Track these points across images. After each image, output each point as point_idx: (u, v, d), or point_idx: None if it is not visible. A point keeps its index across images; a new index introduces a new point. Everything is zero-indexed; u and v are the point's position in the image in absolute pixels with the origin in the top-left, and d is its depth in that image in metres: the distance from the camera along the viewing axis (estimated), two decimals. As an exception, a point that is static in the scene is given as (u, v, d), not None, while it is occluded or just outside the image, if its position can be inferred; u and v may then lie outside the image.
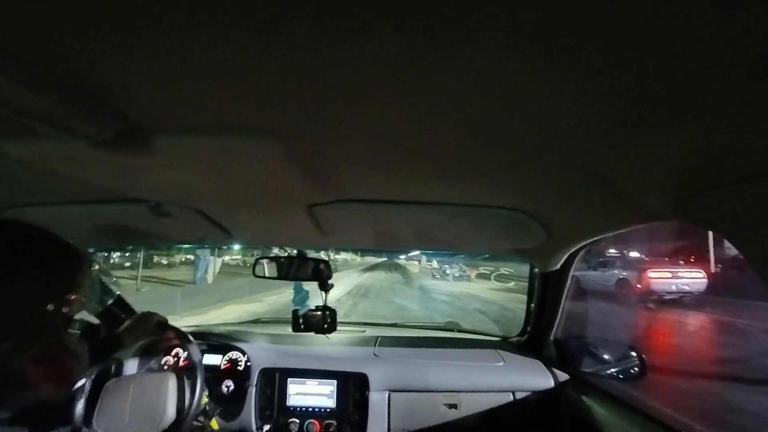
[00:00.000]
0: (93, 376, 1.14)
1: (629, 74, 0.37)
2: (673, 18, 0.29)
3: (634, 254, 14.20)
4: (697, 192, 0.55)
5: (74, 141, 0.57)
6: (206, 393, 1.41)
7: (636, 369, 1.26)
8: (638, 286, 10.43)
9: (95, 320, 1.36)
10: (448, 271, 22.85)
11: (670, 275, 10.18)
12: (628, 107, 0.43)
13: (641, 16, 0.30)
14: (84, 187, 0.87)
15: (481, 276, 21.43)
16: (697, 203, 0.57)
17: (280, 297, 11.44)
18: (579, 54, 0.35)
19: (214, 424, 1.35)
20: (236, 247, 2.16)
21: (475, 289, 15.72)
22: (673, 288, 9.94)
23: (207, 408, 1.32)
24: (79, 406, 1.08)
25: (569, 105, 0.44)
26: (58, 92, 0.44)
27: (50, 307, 0.57)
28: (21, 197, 1.00)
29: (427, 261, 30.54)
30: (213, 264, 13.36)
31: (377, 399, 1.41)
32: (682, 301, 9.73)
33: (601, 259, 12.24)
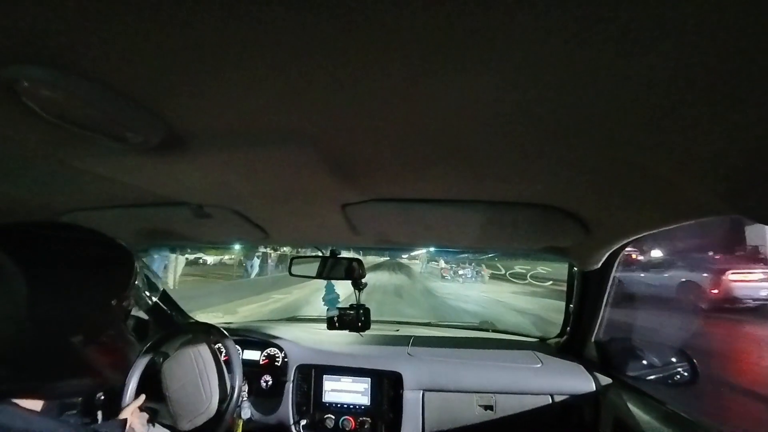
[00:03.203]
0: (145, 368, 1.21)
1: (671, 63, 0.35)
2: (717, 6, 0.28)
3: (655, 253, 12.29)
4: (754, 183, 0.52)
5: (123, 149, 0.61)
6: (245, 388, 1.46)
7: (686, 374, 1.19)
8: (713, 291, 7.91)
9: (144, 315, 1.45)
10: (461, 272, 19.28)
11: (763, 276, 7.59)
12: (675, 93, 0.40)
13: (686, 3, 0.28)
14: (132, 192, 0.92)
15: (516, 276, 17.99)
16: (752, 195, 0.54)
17: (264, 306, 9.70)
18: (616, 45, 0.34)
19: (240, 426, 1.39)
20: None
21: (495, 293, 12.91)
22: (764, 294, 7.43)
23: (240, 406, 1.37)
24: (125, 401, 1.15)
25: (609, 94, 0.42)
26: (108, 104, 0.47)
27: (114, 302, 0.62)
28: (76, 202, 1.06)
29: (433, 260, 26.09)
30: (173, 265, 10.56)
31: (411, 398, 1.41)
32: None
33: (653, 258, 10.44)
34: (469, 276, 18.57)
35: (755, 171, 0.50)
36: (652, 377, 1.25)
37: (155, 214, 1.16)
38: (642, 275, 10.18)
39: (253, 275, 15.04)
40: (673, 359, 1.24)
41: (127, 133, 0.55)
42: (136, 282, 0.70)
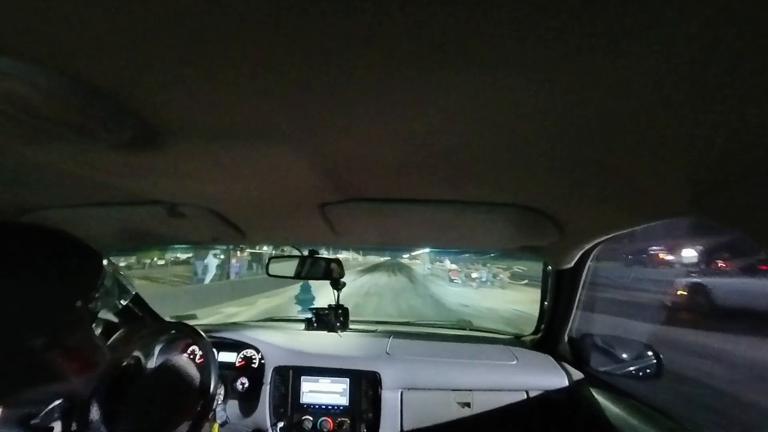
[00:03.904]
0: (114, 375, 1.16)
1: (643, 69, 0.36)
2: (689, 13, 0.29)
3: (687, 253, 10.23)
4: (715, 186, 0.54)
5: (92, 144, 0.59)
6: (221, 391, 1.43)
7: (653, 368, 1.24)
8: None
9: (114, 318, 1.39)
10: (474, 275, 15.69)
11: None
12: (643, 101, 0.42)
13: (658, 11, 0.29)
14: (102, 190, 0.89)
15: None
16: (715, 198, 0.56)
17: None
18: (591, 50, 0.35)
19: (215, 431, 1.36)
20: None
21: (525, 305, 9.53)
22: None
23: (215, 410, 1.34)
24: (95, 408, 1.10)
25: (582, 101, 0.44)
26: (75, 96, 0.45)
27: (79, 304, 0.59)
28: (41, 201, 1.02)
29: (437, 261, 23.59)
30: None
31: (390, 397, 1.41)
32: None
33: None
34: (484, 279, 15.22)
35: (719, 176, 0.52)
36: (621, 372, 1.30)
37: (127, 214, 1.12)
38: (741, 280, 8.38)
39: (208, 279, 11.42)
40: (641, 354, 1.29)
41: (96, 128, 0.53)
42: (105, 283, 0.67)
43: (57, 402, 0.79)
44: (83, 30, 0.35)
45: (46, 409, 0.75)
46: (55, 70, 0.41)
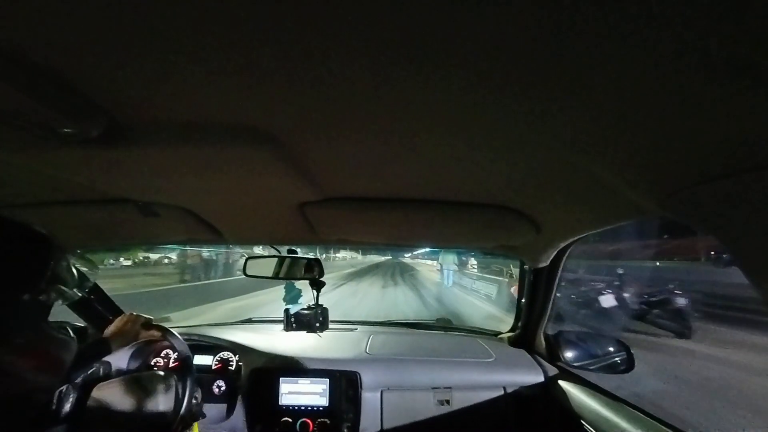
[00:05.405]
0: (82, 381, 1.12)
1: (615, 74, 0.37)
2: (661, 23, 0.30)
3: None
4: (683, 187, 0.56)
5: (59, 141, 0.56)
6: (197, 394, 1.40)
7: (624, 362, 1.29)
8: None
9: (82, 323, 1.34)
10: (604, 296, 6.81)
11: None
12: (614, 105, 0.43)
13: (630, 20, 0.30)
14: (69, 188, 0.85)
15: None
16: (683, 199, 0.58)
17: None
18: (564, 57, 0.35)
19: (196, 428, 1.33)
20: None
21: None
22: None
23: (193, 410, 1.31)
24: (66, 407, 1.06)
25: (556, 105, 0.45)
26: (41, 91, 0.43)
27: (26, 297, 0.56)
28: (6, 199, 0.97)
29: (458, 265, 14.33)
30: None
31: (370, 397, 1.42)
32: None
33: None
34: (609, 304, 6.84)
35: (683, 179, 0.55)
36: (594, 366, 1.34)
37: (98, 213, 1.08)
38: None
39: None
40: (613, 350, 1.34)
41: (62, 124, 0.50)
42: (60, 274, 0.63)
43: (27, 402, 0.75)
44: (49, 24, 0.33)
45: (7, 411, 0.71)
46: (19, 63, 0.39)
